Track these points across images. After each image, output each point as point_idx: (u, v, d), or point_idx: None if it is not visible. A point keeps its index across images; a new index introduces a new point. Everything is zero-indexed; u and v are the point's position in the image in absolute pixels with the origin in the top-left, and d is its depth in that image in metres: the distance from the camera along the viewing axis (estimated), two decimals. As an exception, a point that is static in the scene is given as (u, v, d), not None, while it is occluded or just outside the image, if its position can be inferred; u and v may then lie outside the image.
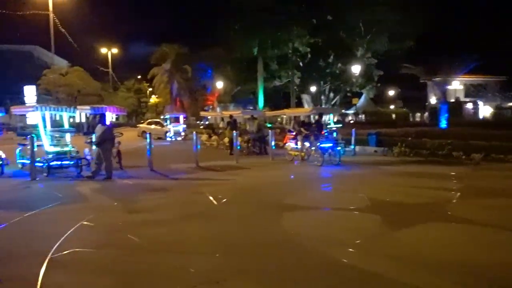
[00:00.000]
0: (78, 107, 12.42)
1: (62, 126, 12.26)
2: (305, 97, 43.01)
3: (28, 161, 11.89)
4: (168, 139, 28.17)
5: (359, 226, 6.05)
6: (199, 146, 13.79)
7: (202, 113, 33.66)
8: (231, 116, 19.36)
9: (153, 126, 31.96)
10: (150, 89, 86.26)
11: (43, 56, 69.39)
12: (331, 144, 13.14)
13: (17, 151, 12.29)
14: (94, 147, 10.77)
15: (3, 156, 11.41)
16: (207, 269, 4.28)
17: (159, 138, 29.01)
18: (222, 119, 27.38)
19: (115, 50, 61.23)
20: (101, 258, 4.64)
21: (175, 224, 6.13)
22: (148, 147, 12.33)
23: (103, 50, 60.56)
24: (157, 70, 43.10)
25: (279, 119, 36.06)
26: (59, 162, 10.95)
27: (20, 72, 58.55)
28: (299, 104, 41.11)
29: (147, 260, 4.54)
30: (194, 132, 13.95)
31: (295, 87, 40.89)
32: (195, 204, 7.63)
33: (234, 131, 15.51)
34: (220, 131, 21.72)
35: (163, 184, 9.86)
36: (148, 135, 12.39)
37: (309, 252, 4.82)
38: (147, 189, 9.11)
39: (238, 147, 15.18)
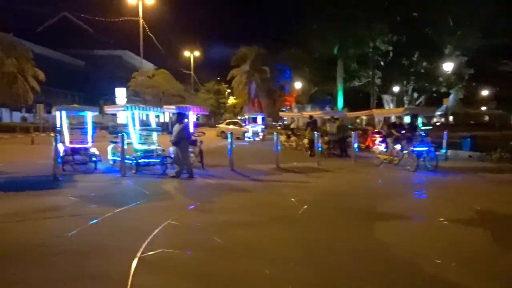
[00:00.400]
0: (164, 106, 12.84)
1: (149, 125, 12.75)
2: (386, 98, 41.02)
3: (118, 158, 12.55)
4: (247, 139, 28.44)
5: (460, 239, 5.34)
6: (279, 147, 13.52)
7: (282, 114, 33.46)
8: (311, 117, 18.88)
9: (231, 126, 32.52)
10: (229, 90, 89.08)
11: (132, 60, 74.42)
12: (426, 148, 12.12)
13: (109, 148, 13.01)
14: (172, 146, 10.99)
15: (97, 153, 12.11)
16: (294, 277, 3.95)
17: (237, 138, 29.37)
18: (292, 119, 27.06)
19: (197, 53, 63.84)
20: (187, 260, 4.51)
21: (259, 227, 5.87)
22: (229, 146, 12.33)
23: (186, 53, 63.37)
24: (236, 71, 43.95)
25: (357, 120, 34.76)
26: (146, 160, 11.34)
27: (112, 75, 63.43)
28: (379, 105, 39.31)
29: (234, 265, 4.32)
30: (275, 133, 13.72)
31: (375, 88, 39.18)
32: (279, 207, 7.33)
33: (315, 132, 15.02)
34: (299, 132, 21.31)
35: (245, 184, 9.72)
36: (229, 135, 12.39)
37: (401, 264, 4.30)
38: (229, 189, 9.02)
39: (320, 149, 14.66)
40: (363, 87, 40.47)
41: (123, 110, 11.66)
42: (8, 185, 9.32)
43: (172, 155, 11.75)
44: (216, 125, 39.82)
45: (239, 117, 43.57)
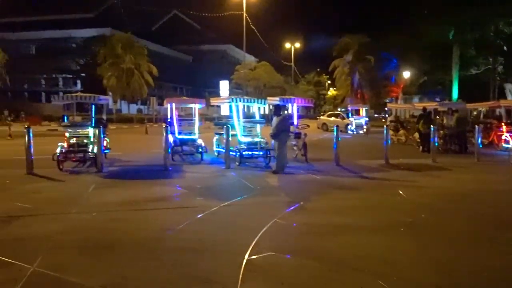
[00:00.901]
0: (268, 98, 12.65)
1: (253, 117, 12.67)
2: (510, 87, 36.29)
3: (223, 150, 12.70)
4: (350, 132, 27.27)
5: None
6: (389, 141, 12.47)
7: (390, 105, 31.30)
8: (424, 109, 17.19)
9: (333, 118, 31.56)
10: (329, 81, 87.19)
11: (235, 53, 76.84)
12: None
13: (214, 140, 13.26)
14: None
15: (203, 144, 12.40)
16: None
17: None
18: (390, 112, 25.01)
19: (297, 45, 63.39)
20: (298, 268, 4.09)
21: (372, 234, 5.22)
22: (334, 140, 11.69)
23: (287, 45, 63.29)
24: (339, 62, 42.55)
25: (474, 113, 31.25)
26: (250, 152, 11.26)
27: (216, 68, 66.18)
28: (501, 95, 34.88)
29: (351, 279, 3.78)
30: (385, 126, 12.68)
31: (496, 76, 34.85)
32: (396, 210, 6.55)
33: (430, 125, 13.58)
34: (409, 125, 19.66)
35: (353, 182, 9.03)
36: (335, 128, 11.74)
37: None
38: (336, 186, 8.43)
39: (436, 144, 13.23)
40: (480, 76, 36.33)
41: (228, 102, 11.71)
42: (124, 174, 9.92)
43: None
44: (317, 117, 39.06)
45: (339, 109, 42.21)
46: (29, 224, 5.47)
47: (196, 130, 12.72)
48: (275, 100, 12.21)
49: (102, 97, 10.99)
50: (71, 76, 54.11)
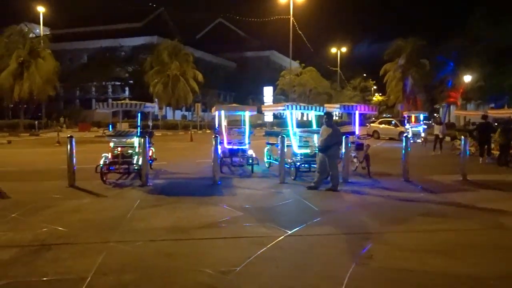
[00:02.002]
0: (326, 105, 11.46)
1: (308, 126, 11.52)
2: None
3: (275, 162, 11.63)
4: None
5: None
6: (467, 153, 10.88)
7: (457, 112, 28.71)
8: (484, 116, 15.29)
9: (383, 126, 29.74)
10: (375, 87, 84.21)
11: (278, 59, 76.06)
12: None
13: (265, 150, 12.23)
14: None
15: (254, 155, 11.39)
16: None
17: (391, 139, 26.57)
18: (438, 119, 22.74)
19: (344, 49, 61.56)
20: None
21: None
22: (403, 151, 10.30)
23: (332, 50, 61.61)
24: (390, 66, 40.43)
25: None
26: (307, 166, 10.10)
27: (259, 75, 65.59)
28: None
29: None
30: (463, 137, 11.11)
31: None
32: (503, 253, 5.15)
33: (509, 135, 11.86)
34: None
35: (435, 206, 7.58)
36: (404, 138, 10.37)
37: None
38: (417, 212, 7.04)
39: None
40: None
41: (283, 110, 10.64)
42: (170, 188, 9.05)
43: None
44: (366, 124, 37.17)
45: (384, 115, 39.93)
46: (61, 257, 4.61)
47: (247, 140, 11.74)
48: (335, 108, 11.04)
49: (148, 104, 10.27)
50: (119, 83, 55.27)
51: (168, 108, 46.82)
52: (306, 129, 10.73)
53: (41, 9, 38.15)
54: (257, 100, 55.47)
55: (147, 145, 9.13)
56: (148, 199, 7.78)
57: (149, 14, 62.77)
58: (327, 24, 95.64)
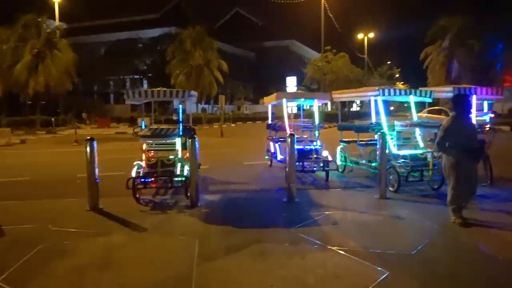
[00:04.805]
0: (435, 89, 8.58)
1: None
2: None
3: (354, 165, 8.87)
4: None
5: None
6: None
7: None
8: None
9: (430, 116, 26.50)
10: (397, 75, 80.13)
11: (297, 49, 73.03)
12: None
13: (338, 150, 9.45)
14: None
15: (330, 158, 8.62)
16: None
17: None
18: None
19: (371, 35, 57.82)
20: None
21: None
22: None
23: (359, 36, 57.95)
24: (432, 49, 36.80)
25: None
26: (415, 173, 7.25)
27: (280, 64, 62.64)
28: None
29: None
30: None
31: None
32: None
33: None
34: None
35: None
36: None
37: None
38: None
39: None
40: None
41: (374, 95, 7.81)
42: (232, 211, 6.34)
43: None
44: (407, 114, 33.91)
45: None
46: None
47: (317, 137, 8.98)
48: (446, 91, 8.18)
49: (192, 92, 7.59)
50: (138, 76, 53.05)
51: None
52: (411, 121, 7.84)
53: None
54: (281, 91, 52.55)
55: (196, 149, 6.43)
56: (211, 236, 5.08)
57: (166, 4, 60.43)
58: (355, 7, 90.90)
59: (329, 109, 45.19)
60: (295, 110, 14.63)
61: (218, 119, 33.60)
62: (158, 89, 7.41)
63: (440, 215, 5.77)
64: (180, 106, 7.79)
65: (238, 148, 16.75)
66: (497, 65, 34.97)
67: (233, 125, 37.94)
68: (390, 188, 7.25)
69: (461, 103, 5.45)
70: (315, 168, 8.64)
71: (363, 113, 48.87)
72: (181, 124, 7.43)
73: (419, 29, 45.33)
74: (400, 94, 7.87)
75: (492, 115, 21.52)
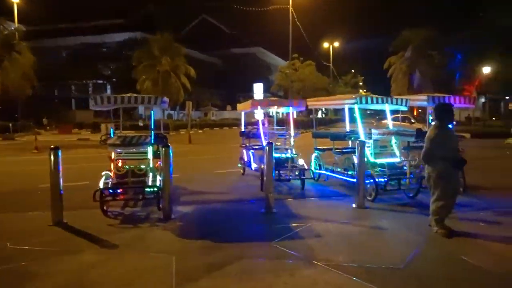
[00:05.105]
0: (410, 97, 8.59)
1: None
2: None
3: (329, 174, 8.77)
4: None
5: None
6: None
7: None
8: None
9: (394, 123, 27.16)
10: (361, 83, 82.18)
11: (264, 56, 73.47)
12: None
13: (313, 157, 9.32)
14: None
15: (306, 166, 8.47)
16: None
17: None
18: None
19: (336, 44, 59.00)
20: None
21: None
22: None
23: (325, 45, 58.96)
24: (395, 59, 37.92)
25: None
26: (393, 181, 7.21)
27: (247, 72, 62.67)
28: None
29: None
30: None
31: None
32: None
33: None
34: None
35: None
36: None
37: None
38: None
39: None
40: None
41: (351, 103, 7.74)
42: (208, 225, 6.02)
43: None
44: (372, 121, 34.57)
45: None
46: None
47: (292, 144, 8.81)
48: (421, 100, 8.22)
49: (165, 98, 7.22)
50: (102, 81, 51.48)
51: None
52: (386, 129, 7.81)
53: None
54: (248, 98, 52.45)
55: (170, 157, 6.08)
56: (188, 253, 4.74)
57: (133, 9, 59.39)
58: (322, 17, 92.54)
59: (295, 116, 45.54)
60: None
61: (185, 125, 33.06)
62: (129, 95, 7.00)
63: (421, 225, 5.70)
64: (152, 112, 7.40)
65: (208, 155, 16.41)
66: (456, 75, 36.42)
67: (200, 131, 37.43)
68: (368, 197, 7.16)
69: (445, 113, 5.43)
70: (290, 177, 8.47)
71: (328, 120, 49.60)
72: (153, 131, 7.05)
73: (382, 39, 46.68)
74: (377, 102, 7.83)
75: (454, 123, 22.30)
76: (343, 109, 8.97)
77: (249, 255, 4.60)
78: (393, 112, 10.28)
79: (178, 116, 50.85)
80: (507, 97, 35.58)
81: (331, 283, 3.83)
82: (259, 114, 10.22)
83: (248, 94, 59.63)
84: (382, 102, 7.94)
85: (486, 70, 30.99)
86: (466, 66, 34.15)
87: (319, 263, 4.31)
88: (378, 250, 4.83)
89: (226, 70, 65.65)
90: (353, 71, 78.82)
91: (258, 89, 65.30)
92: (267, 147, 6.44)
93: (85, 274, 4.13)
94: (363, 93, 72.50)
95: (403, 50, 37.21)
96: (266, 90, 60.61)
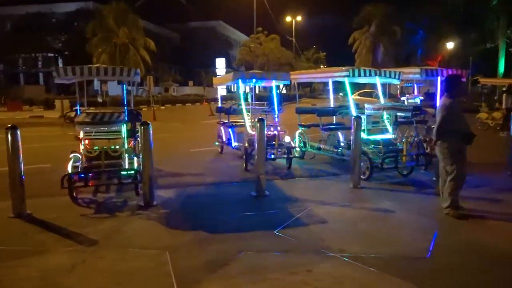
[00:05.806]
0: (404, 70, 8.12)
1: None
2: None
3: (314, 150, 8.32)
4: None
5: None
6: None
7: (484, 80, 24.26)
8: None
9: (361, 98, 27.27)
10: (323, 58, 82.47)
11: (225, 30, 71.62)
12: None
13: (297, 134, 8.81)
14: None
15: (293, 144, 7.93)
16: None
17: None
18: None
19: (299, 18, 58.31)
20: None
21: None
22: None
23: (287, 19, 58.11)
24: (359, 34, 37.88)
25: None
26: (388, 160, 6.82)
27: (207, 46, 60.76)
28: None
29: None
30: None
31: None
32: None
33: None
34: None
35: None
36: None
37: None
38: None
39: None
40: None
41: (344, 75, 7.20)
42: (195, 212, 5.36)
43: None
44: (339, 97, 34.54)
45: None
46: None
47: (277, 121, 8.22)
48: (414, 73, 7.81)
49: (138, 70, 6.36)
50: (52, 54, 48.08)
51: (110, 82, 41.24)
52: (383, 104, 7.34)
53: None
54: (210, 73, 51.05)
55: (150, 136, 5.33)
56: (182, 247, 4.08)
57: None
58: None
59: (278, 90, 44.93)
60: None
61: (146, 101, 31.63)
62: (97, 65, 6.10)
63: (427, 206, 5.37)
64: (124, 86, 6.54)
65: (177, 133, 15.50)
66: (418, 51, 36.97)
67: (162, 107, 35.99)
68: (362, 176, 6.75)
69: (456, 85, 5.00)
70: (277, 156, 7.91)
71: (293, 96, 49.37)
72: (126, 108, 6.21)
73: (346, 15, 46.58)
74: (370, 75, 7.35)
75: (422, 97, 22.36)
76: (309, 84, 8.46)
77: (251, 248, 4.03)
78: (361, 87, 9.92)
79: (138, 92, 48.77)
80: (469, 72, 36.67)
81: (360, 280, 3.33)
82: (221, 89, 9.57)
83: (209, 69, 58.03)
84: (374, 75, 7.46)
85: (450, 45, 31.53)
86: (427, 42, 34.65)
87: (336, 255, 3.81)
88: (394, 237, 4.39)
89: (185, 45, 63.37)
90: (314, 46, 78.68)
91: (220, 64, 63.78)
92: (258, 124, 5.81)
93: (60, 279, 3.40)
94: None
95: (366, 25, 37.21)
96: (228, 66, 59.23)
